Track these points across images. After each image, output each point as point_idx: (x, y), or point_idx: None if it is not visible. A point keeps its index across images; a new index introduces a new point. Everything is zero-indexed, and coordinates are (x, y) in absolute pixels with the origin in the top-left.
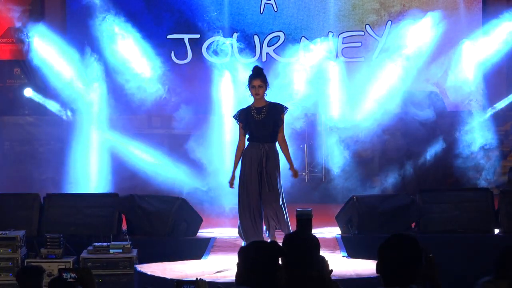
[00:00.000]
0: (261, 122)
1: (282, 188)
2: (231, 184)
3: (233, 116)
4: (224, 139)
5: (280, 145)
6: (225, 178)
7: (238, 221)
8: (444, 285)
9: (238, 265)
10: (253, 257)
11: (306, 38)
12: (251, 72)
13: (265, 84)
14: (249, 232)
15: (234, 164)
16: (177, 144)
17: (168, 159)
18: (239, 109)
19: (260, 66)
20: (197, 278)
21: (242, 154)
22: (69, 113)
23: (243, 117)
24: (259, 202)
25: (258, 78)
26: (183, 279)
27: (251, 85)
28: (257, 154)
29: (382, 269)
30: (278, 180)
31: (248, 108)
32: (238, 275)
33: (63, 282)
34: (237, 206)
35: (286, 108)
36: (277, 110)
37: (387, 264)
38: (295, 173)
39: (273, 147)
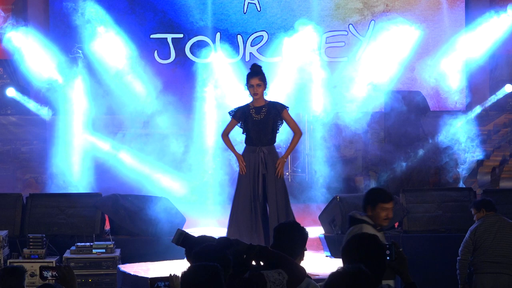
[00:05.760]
0: (260, 123)
1: (287, 193)
2: (241, 169)
3: (229, 112)
4: (206, 138)
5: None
6: (207, 178)
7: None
8: (426, 284)
9: None
10: (195, 282)
11: (289, 37)
12: (249, 70)
13: (264, 82)
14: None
15: (231, 149)
16: (159, 144)
17: (151, 159)
18: (236, 107)
19: (244, 65)
20: (170, 274)
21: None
22: (51, 113)
23: (240, 115)
24: (251, 214)
25: (256, 77)
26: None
27: (249, 84)
28: (254, 159)
29: None
30: (280, 186)
31: (247, 107)
32: None
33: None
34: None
35: (287, 106)
36: (277, 110)
37: None
38: (279, 167)
39: (273, 150)
